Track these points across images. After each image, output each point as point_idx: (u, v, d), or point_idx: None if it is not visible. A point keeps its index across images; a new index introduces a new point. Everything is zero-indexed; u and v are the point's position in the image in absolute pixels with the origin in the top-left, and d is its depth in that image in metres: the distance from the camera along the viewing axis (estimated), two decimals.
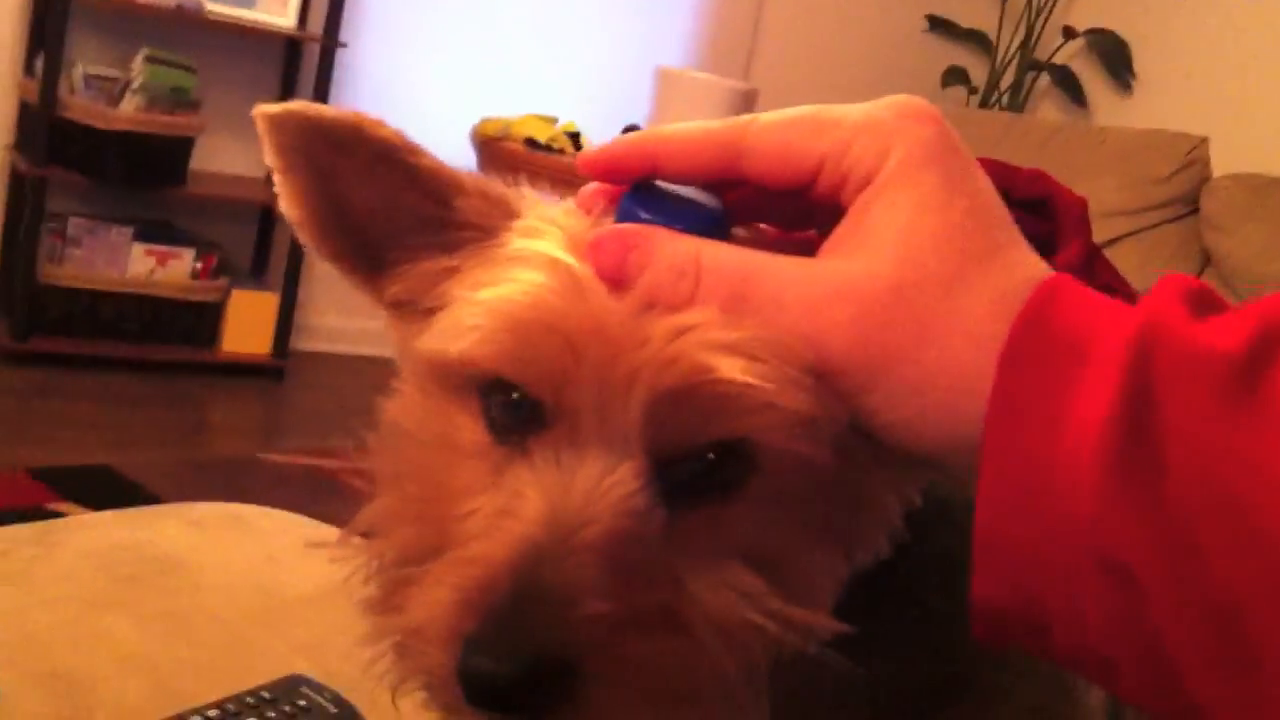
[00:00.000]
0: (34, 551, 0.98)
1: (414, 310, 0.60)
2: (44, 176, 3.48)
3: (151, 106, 3.54)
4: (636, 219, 0.53)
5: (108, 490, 2.87)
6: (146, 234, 3.71)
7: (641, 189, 0.55)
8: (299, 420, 3.64)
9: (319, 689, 0.87)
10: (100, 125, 3.45)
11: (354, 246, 0.62)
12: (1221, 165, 3.69)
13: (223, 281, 3.83)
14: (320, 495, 3.08)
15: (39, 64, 3.46)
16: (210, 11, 3.64)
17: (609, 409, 0.51)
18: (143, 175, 3.59)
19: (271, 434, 3.51)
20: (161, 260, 3.72)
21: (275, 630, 0.97)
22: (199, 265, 3.78)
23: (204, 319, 3.81)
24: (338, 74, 3.91)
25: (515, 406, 0.53)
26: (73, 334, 3.61)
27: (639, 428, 0.51)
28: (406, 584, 0.53)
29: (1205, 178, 3.68)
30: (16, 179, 3.64)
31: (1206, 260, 3.58)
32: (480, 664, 0.48)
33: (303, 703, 0.85)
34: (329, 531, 1.32)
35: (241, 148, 3.97)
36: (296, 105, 0.58)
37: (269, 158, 0.59)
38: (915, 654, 0.61)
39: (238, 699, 0.84)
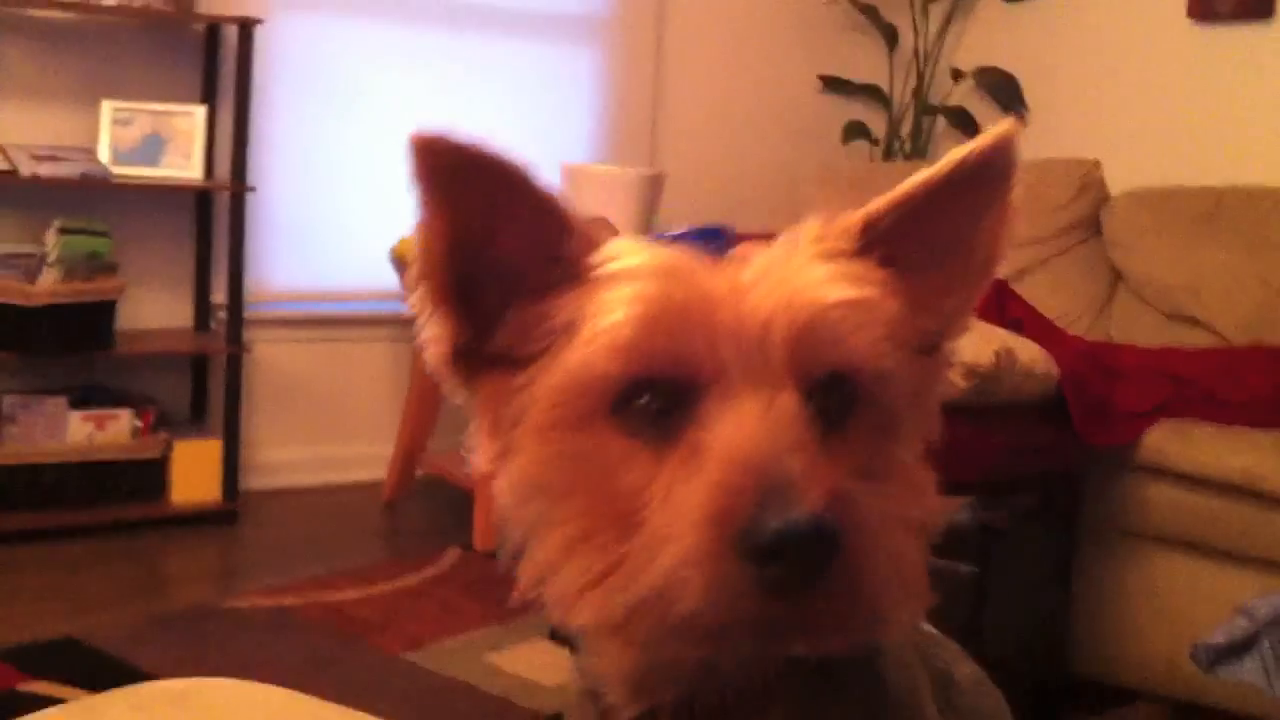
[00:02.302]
0: None
1: (510, 363, 0.67)
2: None
3: (70, 276, 3.58)
4: (667, 238, 0.66)
5: (73, 661, 2.87)
6: (82, 399, 3.75)
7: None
8: (257, 560, 3.64)
9: None
10: (22, 302, 3.50)
11: (460, 303, 0.68)
12: (1116, 184, 3.81)
13: (163, 435, 3.85)
14: (285, 634, 3.10)
15: None
16: (117, 176, 3.70)
17: (752, 359, 0.61)
18: (70, 343, 3.63)
19: (230, 578, 3.52)
20: (100, 424, 3.75)
21: None
22: (138, 423, 3.81)
23: (149, 475, 3.82)
24: (252, 216, 3.98)
25: (658, 401, 0.61)
26: (18, 508, 3.62)
27: (784, 364, 0.61)
28: (626, 562, 0.58)
29: (1104, 198, 3.79)
30: None
31: (1116, 278, 3.67)
32: (775, 521, 0.55)
33: None
34: (273, 692, 1.35)
35: (164, 300, 4.03)
36: (444, 133, 0.64)
37: (416, 179, 0.64)
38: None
39: None
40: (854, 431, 0.64)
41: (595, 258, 0.66)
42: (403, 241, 4.07)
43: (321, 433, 4.33)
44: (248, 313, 3.99)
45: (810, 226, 0.70)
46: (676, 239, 0.67)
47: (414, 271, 0.67)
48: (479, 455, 0.69)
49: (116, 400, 3.81)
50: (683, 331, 0.61)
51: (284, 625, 3.13)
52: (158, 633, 3.07)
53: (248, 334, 3.97)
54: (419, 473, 4.16)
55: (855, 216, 0.70)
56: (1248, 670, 2.32)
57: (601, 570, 0.59)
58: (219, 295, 4.03)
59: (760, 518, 0.55)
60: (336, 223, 4.29)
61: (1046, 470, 2.72)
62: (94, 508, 3.72)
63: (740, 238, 0.65)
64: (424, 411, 4.11)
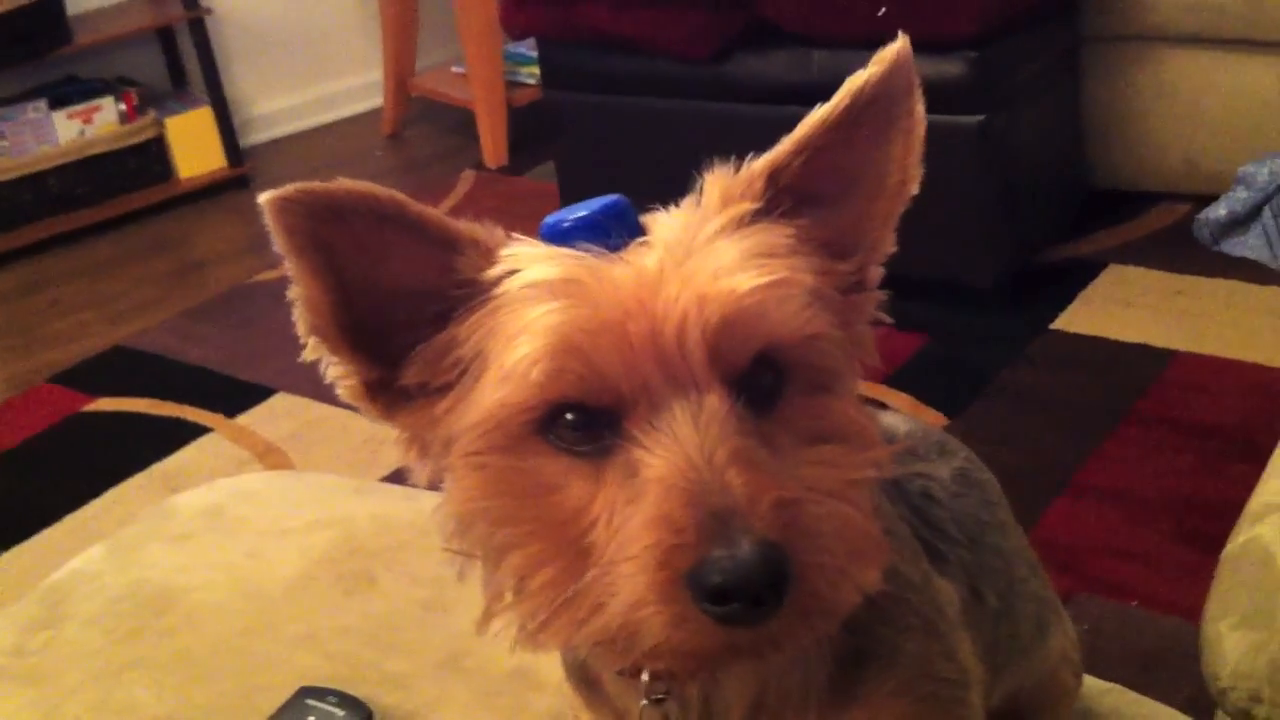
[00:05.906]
0: (44, 637, 1.08)
1: (428, 393, 0.64)
2: None
3: None
4: (563, 229, 0.62)
5: (129, 371, 2.96)
6: (61, 99, 3.67)
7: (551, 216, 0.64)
8: None
9: (323, 695, 0.97)
10: None
11: (361, 344, 0.64)
12: None
13: (152, 115, 3.79)
14: None
15: None
16: None
17: (672, 366, 0.59)
18: (29, 47, 3.52)
19: (257, 249, 3.54)
20: (86, 118, 3.69)
21: (271, 634, 1.07)
22: (123, 107, 3.74)
23: (151, 157, 3.80)
24: None
25: (584, 419, 0.60)
26: (31, 220, 3.65)
27: (706, 364, 0.59)
28: (583, 597, 0.59)
29: None
30: None
31: None
32: (722, 560, 0.54)
33: (312, 718, 0.95)
34: (301, 481, 1.40)
35: None
36: (298, 185, 0.60)
37: (279, 242, 0.61)
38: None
39: None
40: (789, 402, 0.62)
41: (494, 271, 0.62)
42: None
43: (306, 74, 4.23)
44: None
45: (714, 185, 0.65)
46: (574, 227, 0.62)
47: (303, 327, 0.64)
48: (416, 475, 0.67)
49: (95, 91, 3.73)
50: (596, 353, 0.58)
51: None
52: (200, 324, 3.15)
53: None
54: (413, 94, 4.08)
55: (759, 167, 0.65)
56: (1251, 245, 2.31)
57: (560, 604, 0.59)
58: None
59: (706, 558, 0.55)
60: None
61: (1045, 7, 2.61)
62: (106, 203, 3.73)
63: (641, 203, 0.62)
64: (402, 32, 3.98)
